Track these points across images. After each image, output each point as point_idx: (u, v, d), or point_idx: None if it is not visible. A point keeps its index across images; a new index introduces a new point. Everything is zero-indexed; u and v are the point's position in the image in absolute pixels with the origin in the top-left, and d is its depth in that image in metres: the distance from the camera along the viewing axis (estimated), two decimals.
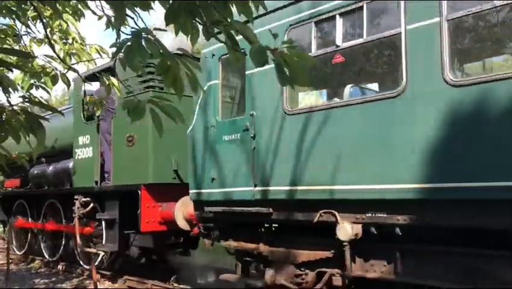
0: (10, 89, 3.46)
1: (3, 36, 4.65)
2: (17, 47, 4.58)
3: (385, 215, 4.48)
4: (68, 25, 4.35)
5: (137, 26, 2.50)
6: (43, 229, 10.54)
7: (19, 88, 4.53)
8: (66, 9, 4.54)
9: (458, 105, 3.97)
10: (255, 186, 5.51)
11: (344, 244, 4.69)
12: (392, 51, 5.68)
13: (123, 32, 2.49)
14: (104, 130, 8.46)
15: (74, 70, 4.20)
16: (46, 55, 3.98)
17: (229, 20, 1.92)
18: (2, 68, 3.14)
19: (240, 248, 6.10)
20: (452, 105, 4.00)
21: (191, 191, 6.35)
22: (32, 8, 3.62)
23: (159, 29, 2.37)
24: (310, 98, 5.84)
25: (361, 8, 4.69)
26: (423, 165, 4.15)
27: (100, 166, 8.45)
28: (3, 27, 4.67)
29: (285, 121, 5.29)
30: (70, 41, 4.57)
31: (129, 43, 2.22)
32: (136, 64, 2.17)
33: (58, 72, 4.14)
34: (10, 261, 10.15)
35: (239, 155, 5.73)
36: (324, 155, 4.87)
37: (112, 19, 3.03)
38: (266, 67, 2.14)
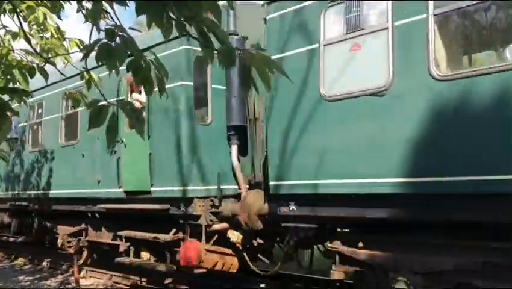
0: None
1: None
2: None
3: None
4: (46, 19, 4.17)
5: (114, 21, 2.40)
6: None
7: None
8: (45, 1, 4.38)
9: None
10: None
11: None
12: None
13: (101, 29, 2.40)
14: None
15: (52, 64, 4.06)
16: (22, 49, 3.84)
17: (200, 17, 1.83)
18: None
19: None
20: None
21: None
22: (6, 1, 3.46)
23: (134, 29, 2.26)
24: None
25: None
26: None
27: None
28: None
29: None
30: (47, 35, 4.41)
31: (104, 41, 2.13)
32: (113, 64, 2.09)
33: (35, 65, 4.00)
34: None
35: None
36: None
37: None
38: None
